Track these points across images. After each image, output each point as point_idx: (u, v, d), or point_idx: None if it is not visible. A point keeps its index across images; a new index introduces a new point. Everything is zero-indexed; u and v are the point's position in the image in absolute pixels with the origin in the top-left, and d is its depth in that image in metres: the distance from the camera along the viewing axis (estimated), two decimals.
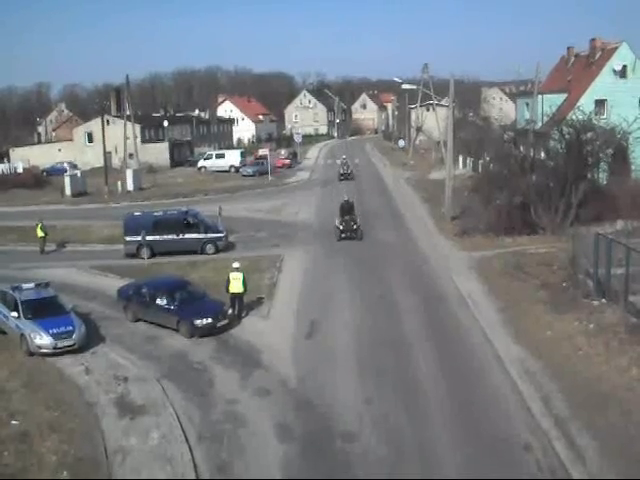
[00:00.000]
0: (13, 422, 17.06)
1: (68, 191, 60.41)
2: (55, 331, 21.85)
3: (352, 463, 15.04)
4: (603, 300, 23.26)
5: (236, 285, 25.02)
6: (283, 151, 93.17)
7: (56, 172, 76.22)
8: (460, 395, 18.32)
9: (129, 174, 64.87)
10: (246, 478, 13.42)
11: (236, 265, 25.64)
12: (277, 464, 15.12)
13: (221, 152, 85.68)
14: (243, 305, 25.42)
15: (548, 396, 17.65)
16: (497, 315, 24.24)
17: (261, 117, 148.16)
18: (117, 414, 17.67)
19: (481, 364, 20.29)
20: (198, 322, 23.23)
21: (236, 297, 25.12)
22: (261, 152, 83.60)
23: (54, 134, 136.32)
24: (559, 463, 14.67)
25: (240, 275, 25.11)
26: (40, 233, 37.35)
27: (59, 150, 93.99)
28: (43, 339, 21.73)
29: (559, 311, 23.12)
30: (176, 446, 15.85)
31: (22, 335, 22.12)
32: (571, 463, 14.59)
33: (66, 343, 21.87)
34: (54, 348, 21.70)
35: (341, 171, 67.47)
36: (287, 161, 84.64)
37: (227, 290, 25.06)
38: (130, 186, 63.67)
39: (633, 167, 42.49)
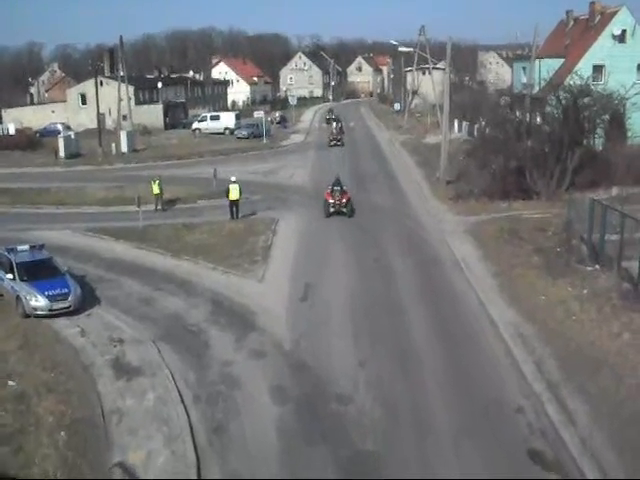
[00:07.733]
0: (10, 383, 17.13)
1: (62, 153, 59.80)
2: (51, 293, 21.84)
3: (346, 425, 15.19)
4: (597, 266, 23.41)
5: (234, 193, 33.31)
6: (277, 114, 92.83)
7: (49, 134, 75.39)
8: (454, 358, 18.50)
9: (123, 136, 64.33)
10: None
11: (233, 179, 33.88)
12: (272, 426, 15.27)
13: (216, 114, 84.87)
14: (239, 209, 33.61)
15: (541, 360, 17.83)
16: (491, 279, 24.36)
17: (256, 79, 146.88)
18: (113, 375, 17.77)
19: (475, 328, 20.45)
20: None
21: (234, 203, 33.27)
22: (255, 114, 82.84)
23: (47, 95, 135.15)
24: (550, 425, 14.88)
25: (237, 185, 33.38)
26: (156, 189, 36.70)
27: (52, 111, 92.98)
28: (39, 301, 21.73)
29: (553, 276, 23.24)
30: (172, 407, 15.97)
31: (18, 297, 22.12)
32: (562, 425, 14.79)
33: (61, 305, 21.89)
34: (50, 310, 21.72)
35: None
36: None
37: (227, 196, 33.32)
38: (124, 148, 63.19)
39: (629, 133, 42.40)
